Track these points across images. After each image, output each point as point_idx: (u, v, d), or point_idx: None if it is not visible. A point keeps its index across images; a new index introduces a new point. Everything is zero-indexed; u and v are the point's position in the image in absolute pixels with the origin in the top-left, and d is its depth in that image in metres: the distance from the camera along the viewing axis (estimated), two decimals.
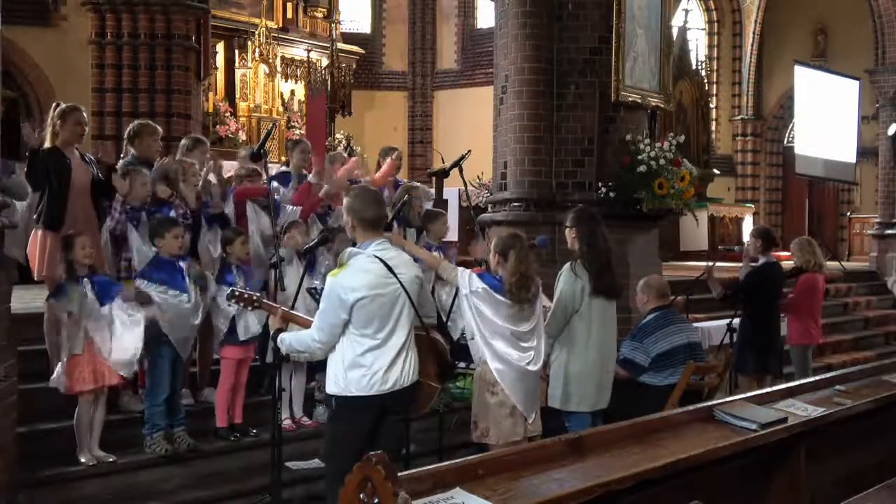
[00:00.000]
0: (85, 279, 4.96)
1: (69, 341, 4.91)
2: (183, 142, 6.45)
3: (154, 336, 5.18)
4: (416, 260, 4.42)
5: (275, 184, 6.43)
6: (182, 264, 5.32)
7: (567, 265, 5.09)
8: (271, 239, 6.01)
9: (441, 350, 4.29)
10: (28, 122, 5.60)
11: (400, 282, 3.94)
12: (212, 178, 6.10)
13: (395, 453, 4.14)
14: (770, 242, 6.99)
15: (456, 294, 4.99)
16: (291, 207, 6.34)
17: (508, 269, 4.68)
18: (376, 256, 3.93)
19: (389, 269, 3.91)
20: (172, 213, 5.60)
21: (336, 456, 4.01)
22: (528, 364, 4.70)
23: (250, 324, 5.47)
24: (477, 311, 4.69)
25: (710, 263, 7.23)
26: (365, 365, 3.87)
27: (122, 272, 5.47)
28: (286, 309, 4.41)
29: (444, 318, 5.88)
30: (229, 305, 5.15)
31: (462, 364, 5.24)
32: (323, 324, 3.91)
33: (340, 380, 3.91)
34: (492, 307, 4.68)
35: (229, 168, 6.89)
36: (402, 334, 3.97)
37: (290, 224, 5.99)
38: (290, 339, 4.07)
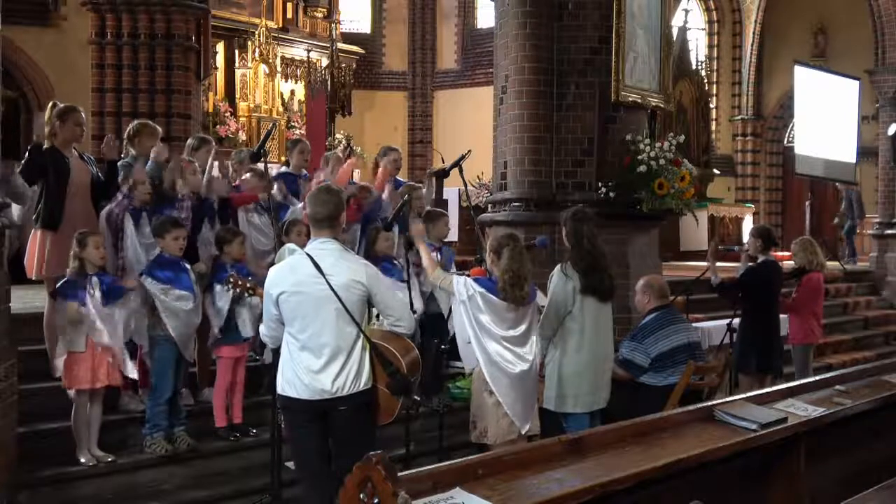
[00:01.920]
0: (94, 278, 4.95)
1: (71, 338, 4.90)
2: (189, 141, 6.49)
3: (157, 336, 5.20)
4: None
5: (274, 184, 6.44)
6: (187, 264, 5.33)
7: (558, 266, 5.09)
8: (261, 252, 6.10)
9: (386, 362, 3.90)
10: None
11: (329, 284, 3.75)
12: (216, 172, 6.13)
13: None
14: (770, 242, 6.99)
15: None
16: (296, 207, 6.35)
17: (501, 267, 4.68)
18: (307, 254, 3.83)
19: (318, 268, 3.76)
20: (175, 213, 5.59)
21: (294, 457, 4.10)
22: (522, 369, 4.70)
23: (247, 322, 5.46)
24: (474, 317, 4.68)
25: (716, 241, 7.33)
26: (295, 365, 3.82)
27: (119, 269, 5.46)
28: None
29: (445, 316, 5.88)
30: (227, 290, 5.17)
31: (461, 364, 5.24)
32: (264, 317, 3.98)
33: (280, 378, 3.91)
34: (489, 311, 4.67)
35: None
36: (332, 338, 3.77)
37: (290, 223, 5.99)
38: (259, 330, 4.24)
